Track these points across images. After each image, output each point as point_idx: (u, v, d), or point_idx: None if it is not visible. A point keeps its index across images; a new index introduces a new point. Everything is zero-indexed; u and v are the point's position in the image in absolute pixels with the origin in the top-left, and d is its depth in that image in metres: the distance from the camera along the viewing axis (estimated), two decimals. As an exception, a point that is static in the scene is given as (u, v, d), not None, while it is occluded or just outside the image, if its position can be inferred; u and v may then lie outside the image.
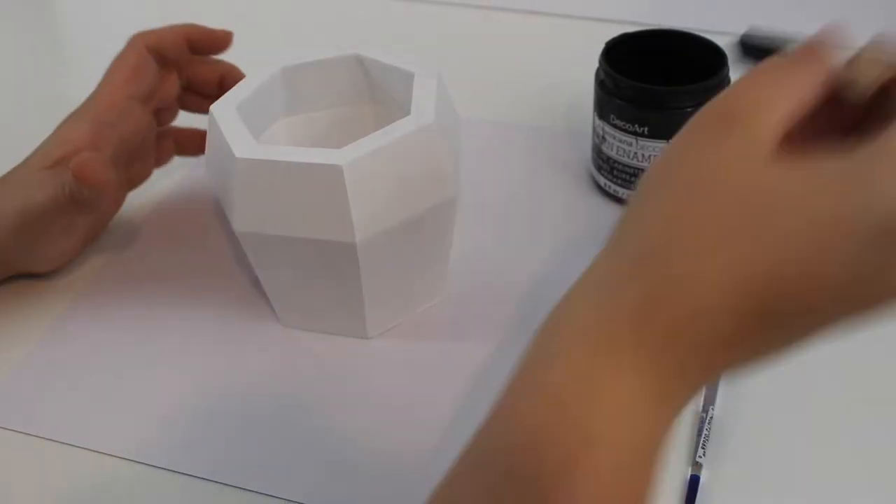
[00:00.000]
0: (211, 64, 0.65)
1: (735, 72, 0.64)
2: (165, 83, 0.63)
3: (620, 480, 0.32)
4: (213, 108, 0.55)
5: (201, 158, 0.69)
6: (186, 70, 0.64)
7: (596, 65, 0.65)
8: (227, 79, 0.64)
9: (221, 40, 0.63)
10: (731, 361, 0.33)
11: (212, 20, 0.65)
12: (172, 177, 0.71)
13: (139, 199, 0.68)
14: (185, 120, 0.68)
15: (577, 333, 0.33)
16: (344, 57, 0.59)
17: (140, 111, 0.59)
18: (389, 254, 0.54)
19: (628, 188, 0.65)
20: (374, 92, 0.60)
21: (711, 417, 0.52)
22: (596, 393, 0.32)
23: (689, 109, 0.62)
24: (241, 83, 0.57)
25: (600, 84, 0.64)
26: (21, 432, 0.54)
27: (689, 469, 0.50)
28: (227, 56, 0.65)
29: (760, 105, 0.34)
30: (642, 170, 0.64)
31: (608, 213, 0.66)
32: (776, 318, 0.32)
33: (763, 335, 0.33)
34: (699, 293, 0.32)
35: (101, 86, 0.59)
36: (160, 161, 0.66)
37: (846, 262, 0.31)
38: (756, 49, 0.52)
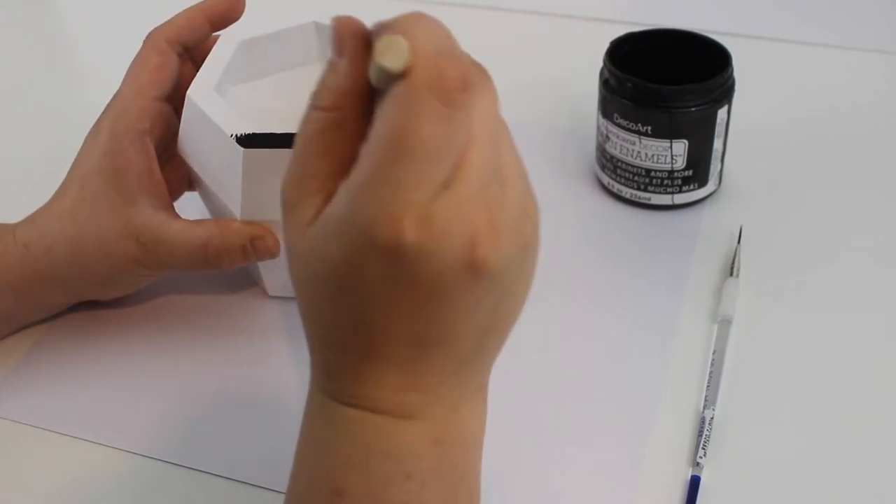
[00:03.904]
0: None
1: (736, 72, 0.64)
2: (184, 74, 0.59)
3: (387, 494, 0.37)
4: (192, 94, 0.54)
5: None
6: (201, 56, 0.60)
7: (600, 64, 0.65)
8: None
9: (236, 7, 0.59)
10: (440, 369, 0.37)
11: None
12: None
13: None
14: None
15: (311, 388, 0.39)
16: (301, 25, 0.60)
17: (167, 111, 0.57)
18: None
19: (632, 187, 0.65)
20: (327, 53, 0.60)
21: (712, 418, 0.52)
22: (338, 434, 0.38)
23: (692, 109, 0.62)
24: (208, 62, 0.57)
25: (604, 83, 0.64)
26: (26, 424, 0.54)
27: (690, 470, 0.50)
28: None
29: (297, 190, 0.36)
30: (646, 169, 0.64)
31: (612, 212, 0.66)
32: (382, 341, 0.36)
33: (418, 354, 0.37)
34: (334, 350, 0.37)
35: (124, 91, 0.56)
36: None
37: (370, 281, 0.34)
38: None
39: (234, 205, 0.54)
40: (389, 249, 0.33)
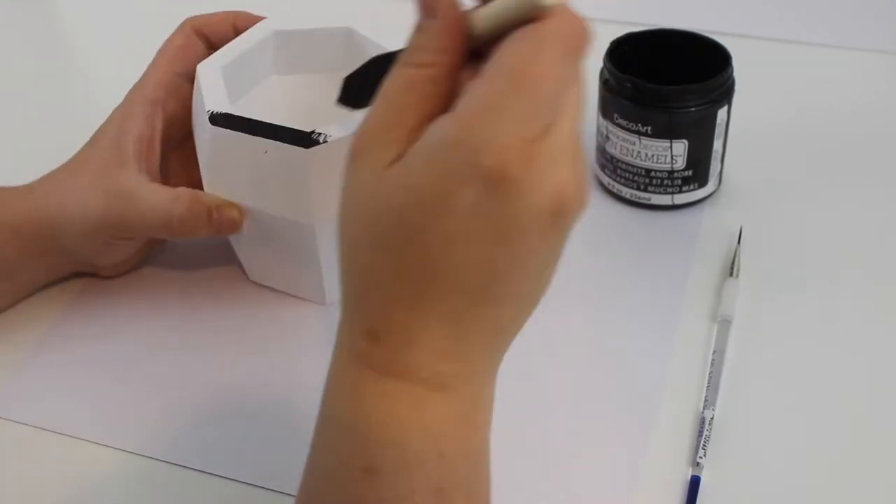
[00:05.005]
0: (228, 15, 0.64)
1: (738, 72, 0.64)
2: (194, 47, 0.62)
3: (421, 472, 0.37)
4: (200, 67, 0.56)
5: None
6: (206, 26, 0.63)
7: (600, 64, 0.65)
8: None
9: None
10: (469, 334, 0.37)
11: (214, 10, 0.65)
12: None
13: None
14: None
15: (341, 360, 0.39)
16: (335, 28, 0.61)
17: (187, 89, 0.59)
18: None
19: (632, 187, 0.65)
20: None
21: (712, 418, 0.52)
22: (364, 402, 0.37)
23: (692, 109, 0.62)
24: (231, 43, 0.58)
25: (604, 83, 0.64)
26: (26, 424, 0.54)
27: (690, 470, 0.50)
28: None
29: (376, 138, 0.37)
30: (645, 169, 0.64)
31: (612, 212, 0.66)
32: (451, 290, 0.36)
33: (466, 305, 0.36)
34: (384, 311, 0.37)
35: (149, 66, 0.60)
36: None
37: (456, 209, 0.34)
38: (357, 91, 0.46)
39: (203, 177, 0.56)
40: (491, 177, 0.34)
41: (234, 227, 0.56)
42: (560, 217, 0.35)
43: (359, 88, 0.45)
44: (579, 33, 0.35)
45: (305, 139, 0.51)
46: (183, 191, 0.56)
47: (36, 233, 0.57)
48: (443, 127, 0.35)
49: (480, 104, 0.34)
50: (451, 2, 0.37)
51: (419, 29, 0.37)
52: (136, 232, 0.58)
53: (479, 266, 0.36)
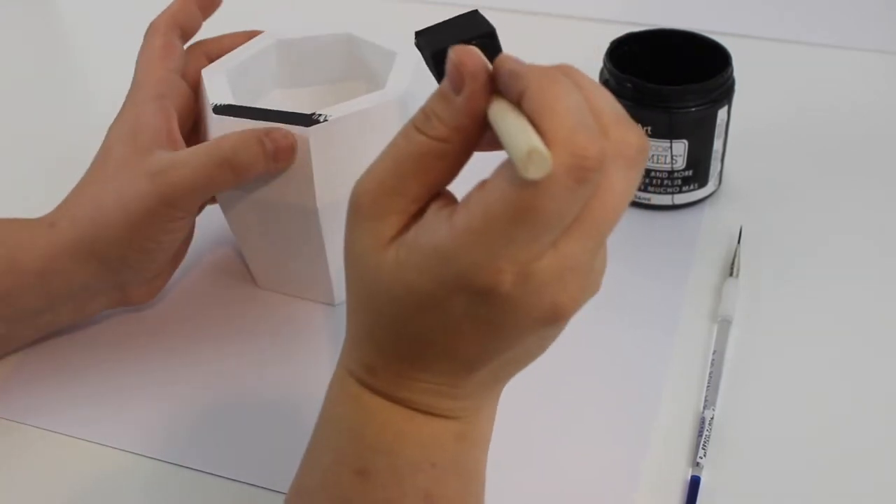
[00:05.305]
0: (237, 36, 0.62)
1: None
2: (197, 64, 0.60)
3: (412, 479, 0.38)
4: (205, 71, 0.57)
5: None
6: (215, 49, 0.62)
7: (600, 64, 0.65)
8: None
9: None
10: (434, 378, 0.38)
11: (217, 17, 0.65)
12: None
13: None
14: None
15: (343, 372, 0.40)
16: (336, 35, 0.61)
17: (181, 84, 0.58)
18: None
19: (631, 187, 0.65)
20: (364, 70, 0.62)
21: (712, 418, 0.52)
22: (366, 417, 0.39)
23: (692, 109, 0.62)
24: (235, 51, 0.59)
25: (604, 83, 0.64)
26: (26, 424, 0.55)
27: (690, 470, 0.50)
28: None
29: (377, 203, 0.37)
30: (646, 169, 0.64)
31: (611, 213, 0.66)
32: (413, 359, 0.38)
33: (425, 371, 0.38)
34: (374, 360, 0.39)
35: (138, 73, 0.58)
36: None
37: (449, 312, 0.35)
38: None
39: None
40: (482, 293, 0.34)
41: (289, 152, 0.52)
42: (555, 322, 0.36)
43: (436, 34, 0.43)
44: (587, 158, 0.32)
45: (305, 119, 0.52)
46: (224, 134, 0.53)
47: (64, 270, 0.53)
48: (440, 235, 0.34)
49: (478, 226, 0.33)
50: (481, 87, 0.35)
51: (442, 96, 0.36)
52: (190, 198, 0.53)
53: (473, 347, 0.37)
